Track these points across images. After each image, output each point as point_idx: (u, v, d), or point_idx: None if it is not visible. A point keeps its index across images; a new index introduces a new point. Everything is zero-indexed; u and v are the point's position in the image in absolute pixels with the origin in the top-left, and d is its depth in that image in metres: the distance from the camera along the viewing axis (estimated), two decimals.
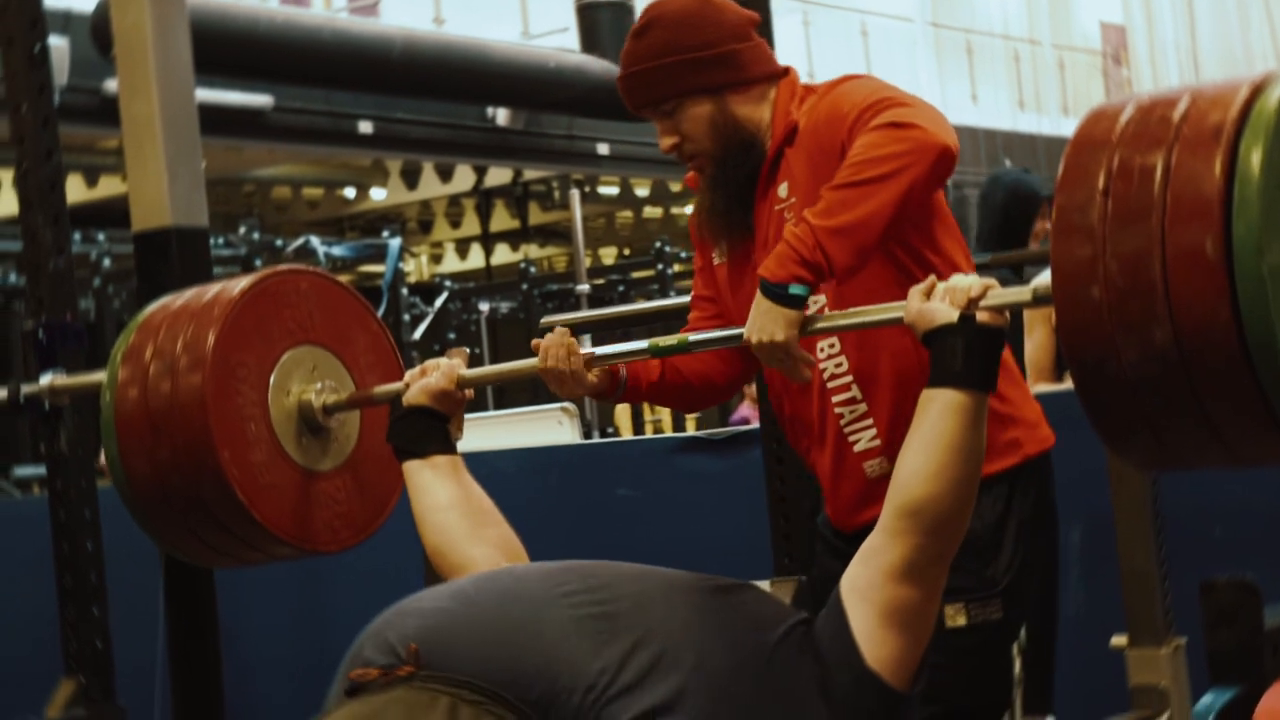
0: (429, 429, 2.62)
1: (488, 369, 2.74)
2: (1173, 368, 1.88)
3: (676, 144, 2.65)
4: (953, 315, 2.18)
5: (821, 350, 2.60)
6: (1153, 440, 1.98)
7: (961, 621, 2.53)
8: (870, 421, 2.59)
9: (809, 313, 2.43)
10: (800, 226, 2.40)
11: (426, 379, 2.64)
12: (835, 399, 2.61)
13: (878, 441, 2.59)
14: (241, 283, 2.78)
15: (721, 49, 2.61)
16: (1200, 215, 1.85)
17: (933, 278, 2.25)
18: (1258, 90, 1.90)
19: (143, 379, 2.74)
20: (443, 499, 2.55)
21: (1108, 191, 1.93)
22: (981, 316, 2.18)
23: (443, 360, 2.66)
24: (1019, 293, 2.18)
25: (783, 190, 2.60)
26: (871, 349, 2.58)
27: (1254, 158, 1.84)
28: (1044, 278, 2.15)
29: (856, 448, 2.61)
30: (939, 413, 2.15)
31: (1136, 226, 1.89)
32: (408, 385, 2.66)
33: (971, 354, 2.16)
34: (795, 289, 2.39)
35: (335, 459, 2.84)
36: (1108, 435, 2.02)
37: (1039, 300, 2.15)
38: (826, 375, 2.60)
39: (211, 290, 2.80)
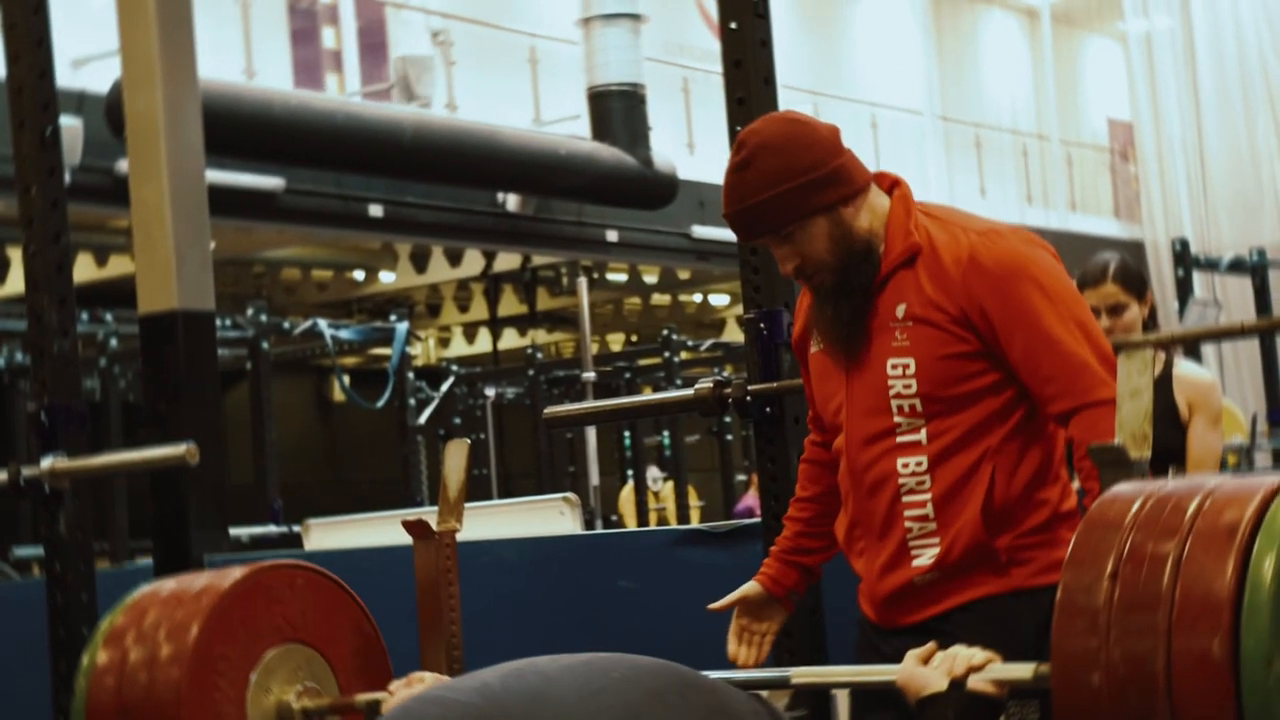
0: None
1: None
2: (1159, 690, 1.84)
3: (799, 265, 2.70)
4: (942, 683, 2.14)
5: (905, 466, 2.67)
6: None
7: None
8: (936, 540, 2.66)
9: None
10: None
11: (409, 690, 2.56)
12: (908, 513, 2.68)
13: (934, 560, 2.66)
14: (235, 574, 2.65)
15: (830, 166, 2.67)
16: (1208, 615, 1.80)
17: (933, 644, 2.22)
18: (1274, 493, 1.85)
19: (120, 667, 2.62)
20: None
21: (1116, 576, 1.90)
22: (979, 686, 2.13)
23: (428, 674, 2.63)
24: (1020, 669, 2.13)
25: (900, 310, 2.67)
26: (955, 478, 2.65)
27: (1266, 563, 1.79)
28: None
29: (915, 562, 2.67)
30: None
31: (1142, 617, 1.84)
32: (391, 694, 2.59)
33: None
34: None
35: None
36: None
37: (1039, 680, 2.09)
38: (905, 490, 2.67)
39: (203, 579, 2.68)
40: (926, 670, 2.17)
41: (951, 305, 2.63)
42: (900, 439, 2.67)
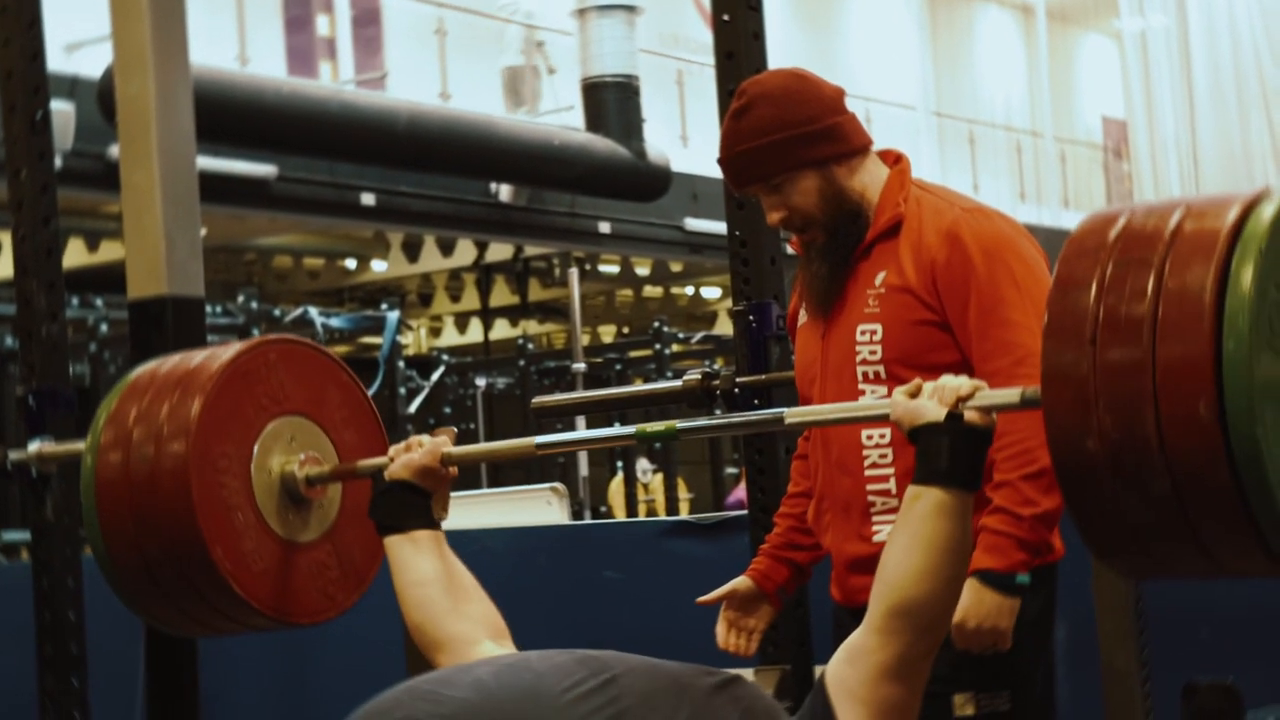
0: (411, 504, 2.60)
1: (473, 447, 2.73)
2: (1156, 475, 1.87)
3: (785, 217, 2.71)
4: (940, 414, 2.17)
5: (870, 438, 2.67)
6: (1142, 556, 1.98)
7: (970, 711, 2.56)
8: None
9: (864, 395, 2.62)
10: (999, 517, 2.52)
11: (410, 454, 2.63)
12: (871, 486, 2.68)
13: None
14: (232, 350, 2.76)
15: (826, 122, 2.68)
16: (1191, 323, 1.85)
17: (919, 379, 2.25)
18: (1252, 203, 1.90)
19: (126, 444, 2.72)
20: (424, 574, 2.53)
21: (1100, 292, 1.92)
22: (969, 416, 2.18)
23: (427, 437, 2.66)
24: (1007, 395, 2.18)
25: (879, 278, 2.68)
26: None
27: (1245, 271, 1.84)
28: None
29: (877, 537, 2.67)
30: (925, 512, 2.14)
31: (1128, 329, 1.88)
32: (392, 459, 2.65)
33: (958, 453, 2.15)
34: (1021, 578, 2.53)
35: (317, 529, 2.82)
36: (1097, 549, 2.02)
37: (1027, 402, 2.14)
38: (869, 463, 2.67)
39: (199, 357, 2.78)
40: (920, 402, 2.19)
41: (925, 274, 2.64)
42: None
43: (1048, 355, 1.94)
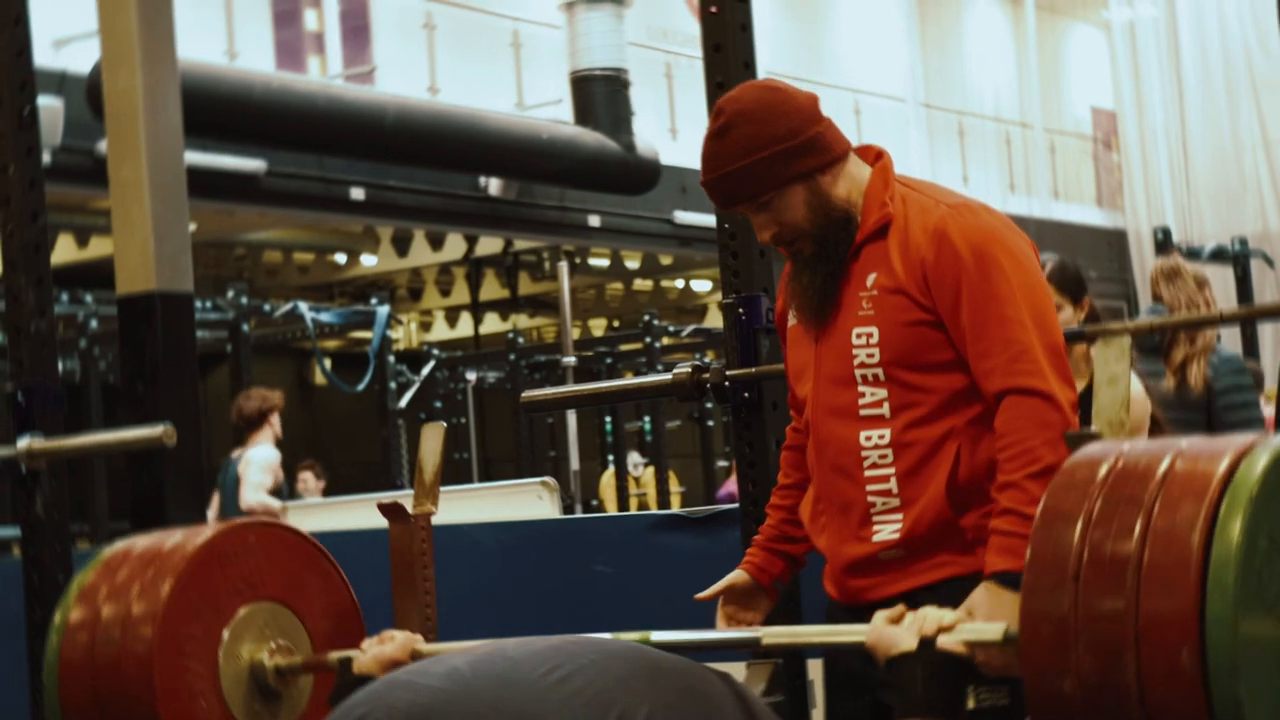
0: None
1: (445, 645, 2.64)
2: (1132, 700, 1.81)
3: (776, 233, 2.69)
4: (912, 642, 2.12)
5: (869, 439, 2.65)
6: None
7: (971, 705, 2.54)
8: (899, 517, 2.64)
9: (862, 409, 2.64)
10: (1008, 518, 2.50)
11: (382, 648, 2.56)
12: (871, 487, 2.66)
13: (898, 535, 2.64)
14: (207, 531, 2.64)
15: (807, 134, 2.65)
16: (1177, 576, 1.79)
17: (901, 605, 2.21)
18: (1243, 453, 1.85)
19: (93, 624, 2.59)
20: None
21: (1085, 536, 1.87)
22: (946, 644, 2.12)
23: (400, 632, 2.61)
24: (989, 629, 2.13)
25: (870, 279, 2.66)
26: (920, 455, 2.64)
27: (1234, 524, 1.79)
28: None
29: (877, 537, 2.66)
30: None
31: (1111, 577, 1.83)
32: (363, 651, 2.57)
33: (931, 683, 2.10)
34: None
35: None
36: None
37: (1008, 641, 2.08)
38: (869, 464, 2.65)
39: (175, 536, 2.66)
40: (896, 629, 2.16)
41: (915, 274, 2.62)
42: (864, 411, 2.65)
43: (1028, 589, 1.88)
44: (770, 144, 2.62)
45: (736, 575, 2.88)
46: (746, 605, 2.88)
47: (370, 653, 2.57)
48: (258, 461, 8.09)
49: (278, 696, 2.66)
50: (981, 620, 2.42)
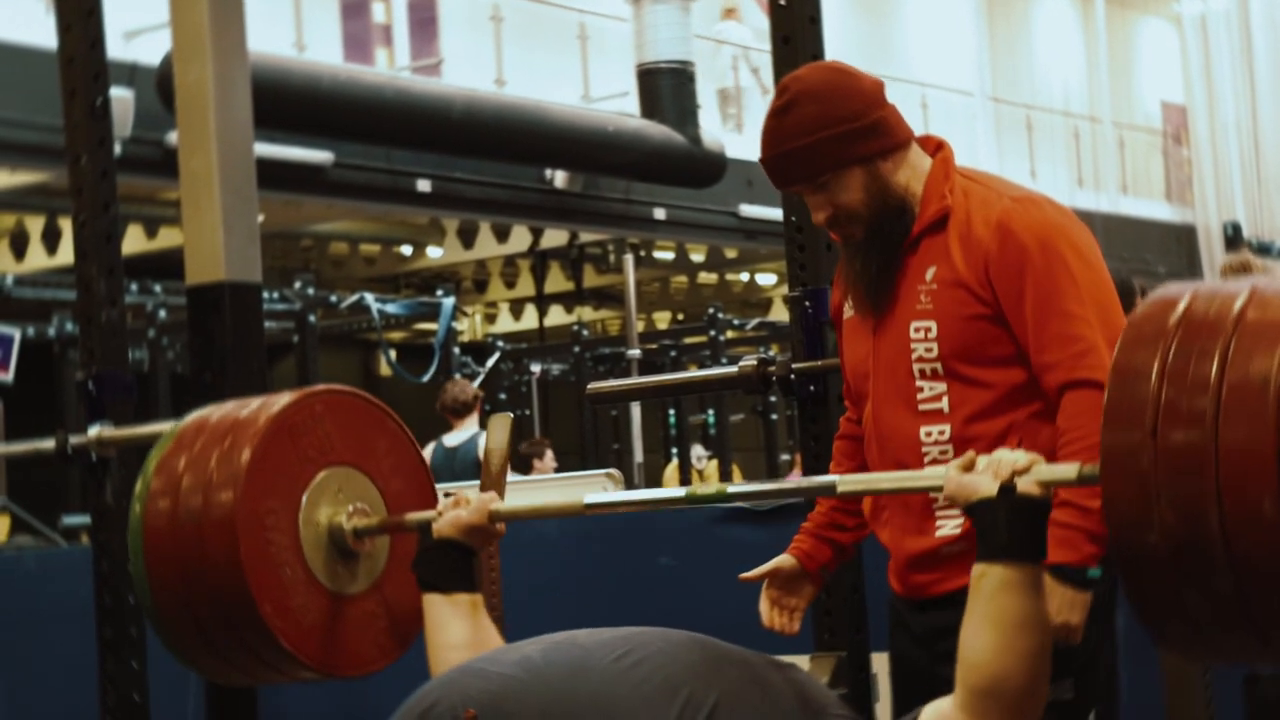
0: (455, 564, 2.60)
1: (521, 505, 2.70)
2: (1214, 553, 1.85)
3: (831, 215, 2.66)
4: (993, 488, 2.14)
5: (929, 435, 2.63)
6: (1201, 645, 1.96)
7: None
8: (960, 512, 2.61)
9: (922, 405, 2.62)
10: (1067, 510, 2.46)
11: (458, 511, 2.61)
12: None
13: (959, 530, 2.61)
14: (283, 399, 2.73)
15: (870, 118, 2.63)
16: (1255, 406, 1.82)
17: (972, 452, 2.24)
18: None
19: (174, 491, 2.69)
20: (457, 639, 2.54)
21: (1163, 372, 1.89)
22: (1025, 488, 2.14)
23: (475, 494, 2.64)
24: (1064, 470, 2.15)
25: (930, 273, 2.64)
26: (980, 450, 2.60)
27: None
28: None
29: (940, 532, 2.64)
30: (993, 590, 2.12)
31: (1190, 409, 1.86)
32: (440, 514, 2.63)
33: (1015, 527, 2.12)
34: (1092, 572, 2.49)
35: (365, 581, 2.78)
36: (1156, 637, 1.99)
37: (1084, 480, 2.11)
38: (929, 460, 2.63)
39: (251, 406, 2.76)
40: (974, 476, 2.17)
41: (977, 267, 2.59)
42: (923, 406, 2.63)
43: (1107, 448, 1.92)
44: (832, 124, 2.60)
45: (784, 559, 2.87)
46: (791, 590, 2.87)
47: (448, 516, 2.62)
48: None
49: (356, 557, 2.76)
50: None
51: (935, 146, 2.72)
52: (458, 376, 8.82)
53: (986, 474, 2.16)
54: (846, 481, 2.45)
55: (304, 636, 2.66)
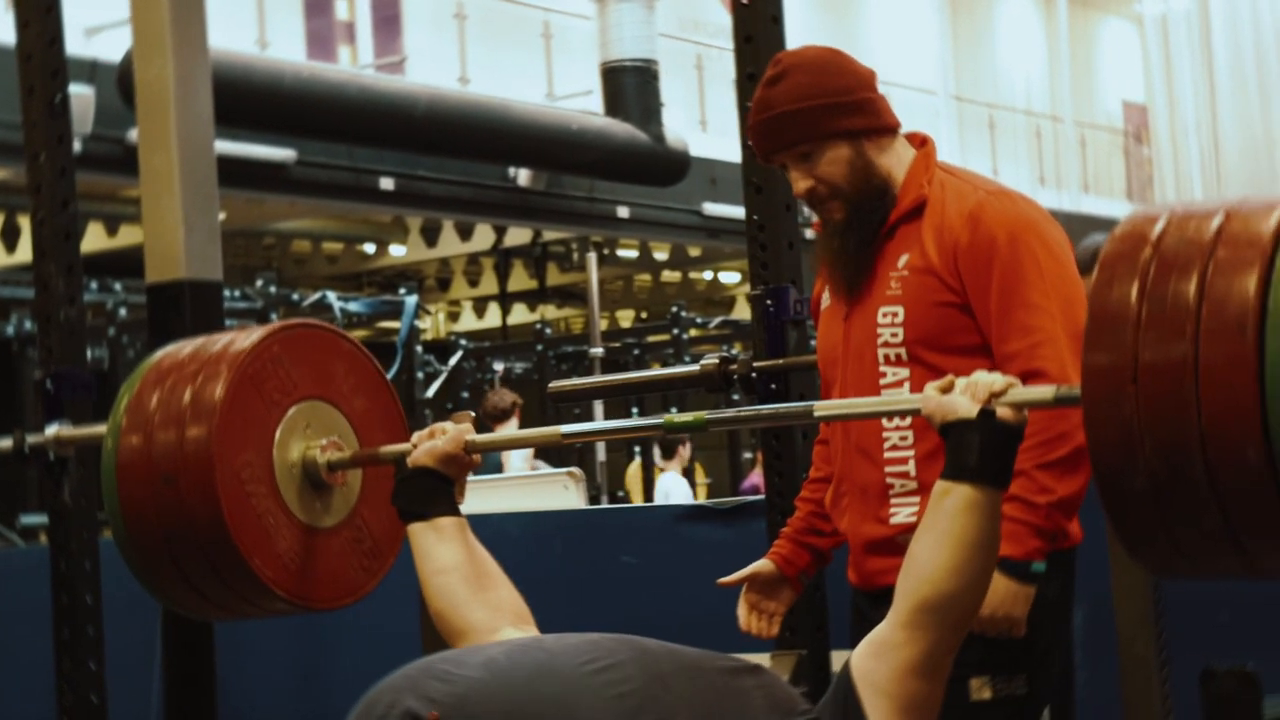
0: (434, 491, 2.60)
1: (498, 435, 2.75)
2: (1197, 477, 1.85)
3: (812, 187, 2.68)
4: (972, 410, 2.16)
5: (890, 421, 2.66)
6: (1171, 549, 1.96)
7: (987, 695, 2.55)
8: (918, 500, 2.64)
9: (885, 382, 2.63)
10: (1014, 505, 2.48)
11: (433, 441, 2.63)
12: (890, 469, 2.67)
13: (915, 517, 2.62)
14: (254, 335, 2.77)
15: (860, 95, 2.68)
16: (1234, 323, 1.83)
17: (951, 375, 2.26)
18: None
19: (147, 427, 2.73)
20: (447, 562, 2.54)
21: (1143, 291, 1.90)
22: (1001, 412, 2.17)
23: (450, 424, 2.66)
24: (1041, 392, 2.17)
25: (902, 260, 2.66)
26: (939, 441, 2.61)
27: None
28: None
29: (895, 519, 2.66)
30: (955, 509, 2.14)
31: (1170, 328, 1.87)
32: (415, 446, 2.65)
33: (989, 450, 2.15)
34: (1036, 566, 2.53)
35: (339, 514, 2.83)
36: (1126, 539, 2.00)
37: (1060, 401, 2.12)
38: (889, 445, 2.66)
39: (220, 341, 2.80)
40: (954, 397, 2.19)
41: (947, 256, 2.62)
42: (886, 392, 2.65)
43: (1088, 397, 1.93)
44: (823, 95, 2.64)
45: (762, 564, 2.88)
46: (770, 595, 2.88)
47: (423, 447, 2.63)
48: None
49: (330, 490, 2.81)
50: (985, 610, 2.43)
51: (920, 142, 2.77)
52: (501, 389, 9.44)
53: (965, 395, 2.18)
54: (823, 406, 2.47)
55: (278, 566, 2.71)
